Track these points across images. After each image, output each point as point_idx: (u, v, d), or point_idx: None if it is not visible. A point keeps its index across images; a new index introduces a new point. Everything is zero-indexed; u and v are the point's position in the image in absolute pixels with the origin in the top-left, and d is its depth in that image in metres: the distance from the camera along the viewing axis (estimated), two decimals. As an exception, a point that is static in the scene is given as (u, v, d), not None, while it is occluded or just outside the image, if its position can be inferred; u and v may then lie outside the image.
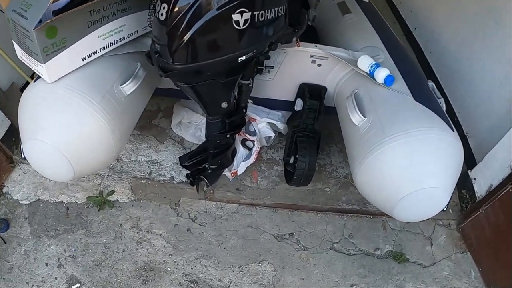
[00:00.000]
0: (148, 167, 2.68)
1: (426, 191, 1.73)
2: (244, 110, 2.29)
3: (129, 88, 1.96)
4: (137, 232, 2.49)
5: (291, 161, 2.50)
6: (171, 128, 2.75)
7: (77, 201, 2.54)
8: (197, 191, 2.55)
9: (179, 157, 2.37)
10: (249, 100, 2.53)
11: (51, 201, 2.52)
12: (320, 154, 2.75)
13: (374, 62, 2.07)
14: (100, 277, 2.27)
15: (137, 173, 2.65)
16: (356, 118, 1.99)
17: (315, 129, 2.44)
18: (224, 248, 2.47)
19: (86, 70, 1.87)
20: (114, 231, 2.47)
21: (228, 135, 2.30)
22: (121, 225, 2.51)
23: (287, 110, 2.64)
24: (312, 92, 2.40)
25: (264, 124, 2.57)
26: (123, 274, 2.31)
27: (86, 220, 2.46)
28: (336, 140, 2.82)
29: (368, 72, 2.08)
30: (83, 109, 1.76)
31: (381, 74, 2.02)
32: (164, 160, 2.69)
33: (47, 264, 2.29)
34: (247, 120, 2.59)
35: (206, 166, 2.48)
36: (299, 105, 2.45)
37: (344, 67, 2.30)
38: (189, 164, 2.40)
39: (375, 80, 2.04)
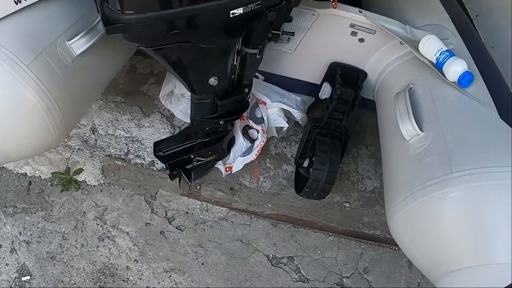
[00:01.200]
0: (126, 144, 2.09)
1: (494, 268, 1.07)
2: (247, 90, 1.63)
3: (79, 45, 1.35)
4: (101, 226, 1.97)
5: (305, 164, 1.85)
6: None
7: (41, 175, 2.06)
8: (179, 185, 1.94)
9: (154, 143, 1.73)
10: (259, 76, 1.87)
11: (14, 172, 2.07)
12: (345, 157, 2.07)
13: (445, 48, 1.35)
14: (52, 273, 1.90)
15: (112, 151, 2.07)
16: (408, 129, 1.31)
17: (343, 128, 1.76)
18: (203, 263, 1.89)
19: (19, 18, 1.26)
20: (76, 220, 1.98)
21: (221, 122, 1.65)
22: (84, 213, 1.99)
23: (309, 95, 1.95)
24: (346, 77, 1.70)
25: (275, 110, 1.90)
26: (78, 275, 1.89)
27: (48, 200, 2.01)
28: (368, 141, 2.13)
29: (435, 61, 1.37)
30: (2, 75, 1.17)
31: (455, 67, 1.30)
32: (146, 139, 2.09)
33: (0, 246, 1.92)
34: (253, 102, 1.93)
35: (192, 157, 1.86)
36: (326, 91, 1.75)
37: (397, 48, 1.58)
38: (165, 154, 1.76)
39: (443, 76, 1.34)
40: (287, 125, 1.91)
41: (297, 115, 1.88)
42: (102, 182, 2.04)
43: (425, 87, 1.41)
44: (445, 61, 1.33)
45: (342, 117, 1.75)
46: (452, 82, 1.31)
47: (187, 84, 1.43)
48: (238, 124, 1.90)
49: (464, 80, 1.29)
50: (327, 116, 1.74)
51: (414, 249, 1.26)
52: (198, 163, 1.87)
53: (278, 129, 2.00)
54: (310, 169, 1.75)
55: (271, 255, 1.92)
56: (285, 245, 1.94)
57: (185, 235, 1.94)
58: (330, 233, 1.97)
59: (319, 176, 1.66)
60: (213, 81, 1.42)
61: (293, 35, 1.57)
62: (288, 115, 1.98)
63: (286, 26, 1.51)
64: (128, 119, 2.14)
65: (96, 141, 2.10)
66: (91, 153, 2.07)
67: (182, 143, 1.75)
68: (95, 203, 2.00)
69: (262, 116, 1.89)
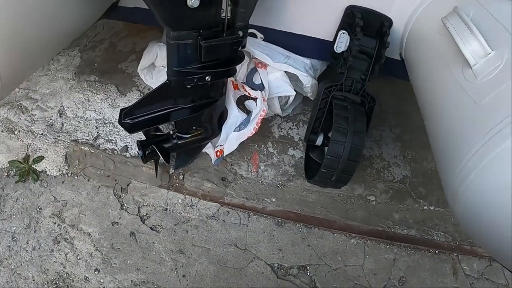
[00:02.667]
0: (97, 128, 1.67)
1: None
2: (241, 34, 1.21)
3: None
4: (58, 225, 1.54)
5: (319, 142, 1.40)
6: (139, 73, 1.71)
7: (-4, 164, 1.64)
8: (155, 172, 1.48)
9: (120, 110, 1.28)
10: (258, 34, 1.47)
11: (-33, 161, 1.65)
12: (366, 140, 1.63)
13: None
14: (-3, 280, 1.47)
15: (79, 135, 1.66)
16: (472, 49, 0.88)
17: (366, 91, 1.33)
18: (184, 275, 1.41)
19: None
20: (29, 217, 1.57)
21: (207, 77, 1.22)
22: (40, 209, 1.58)
23: (320, 58, 1.53)
24: (367, 23, 1.29)
25: (279, 75, 1.47)
26: (26, 285, 1.48)
27: (1, 194, 1.64)
28: (391, 123, 1.69)
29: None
30: None
31: None
32: (120, 121, 1.66)
33: None
34: (251, 67, 1.51)
35: (171, 133, 1.42)
36: (342, 42, 1.33)
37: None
38: (133, 122, 1.30)
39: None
40: (294, 93, 1.47)
41: (306, 81, 1.45)
42: (64, 172, 1.63)
43: (479, 7, 1.00)
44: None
45: (365, 77, 1.32)
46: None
47: (159, 9, 1.02)
48: (232, 94, 1.47)
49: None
50: (345, 74, 1.32)
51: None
52: (180, 141, 1.42)
53: (282, 102, 1.57)
54: (325, 149, 1.31)
55: (276, 264, 1.44)
56: (294, 250, 1.46)
57: (162, 238, 1.46)
58: (353, 234, 1.49)
59: (340, 150, 1.21)
60: (194, 1, 1.01)
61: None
62: (295, 84, 1.56)
63: None
64: (102, 99, 1.74)
65: (63, 125, 1.71)
66: (55, 138, 1.68)
67: (156, 109, 1.30)
68: (54, 197, 1.59)
69: (262, 83, 1.46)
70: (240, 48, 1.27)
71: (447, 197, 0.92)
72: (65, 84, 1.80)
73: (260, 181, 1.54)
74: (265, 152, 1.59)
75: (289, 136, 1.62)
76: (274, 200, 1.52)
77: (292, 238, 1.47)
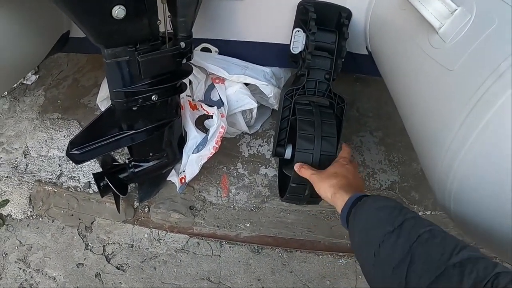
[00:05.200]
0: (60, 166, 1.54)
1: None
2: (183, 45, 1.07)
3: None
4: (23, 270, 1.40)
5: (287, 155, 1.23)
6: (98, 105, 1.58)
7: (-37, 211, 1.52)
8: (117, 207, 1.32)
9: (69, 141, 1.13)
10: (212, 48, 1.34)
11: None
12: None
13: None
14: None
15: (43, 175, 1.54)
16: (435, 9, 0.74)
17: (332, 92, 1.16)
18: (153, 319, 1.22)
19: None
20: None
21: (154, 96, 1.08)
22: (6, 254, 1.44)
23: (281, 64, 1.38)
24: (323, 17, 1.14)
25: (238, 87, 1.32)
26: None
27: None
28: (372, 127, 1.51)
29: None
30: None
31: None
32: (82, 157, 1.52)
33: None
34: (208, 84, 1.37)
35: (127, 162, 1.27)
36: (299, 41, 1.17)
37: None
38: (82, 152, 1.15)
39: None
40: (256, 105, 1.31)
41: (267, 90, 1.30)
42: (29, 214, 1.51)
43: None
44: None
45: (329, 75, 1.16)
46: None
47: (85, 23, 0.89)
48: (189, 115, 1.32)
49: None
50: (306, 76, 1.16)
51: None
52: (137, 170, 1.27)
53: (246, 117, 1.41)
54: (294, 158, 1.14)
55: (255, 296, 1.24)
56: (275, 279, 1.27)
57: (129, 277, 1.29)
58: (341, 254, 1.30)
59: (308, 159, 1.03)
60: (118, 11, 0.87)
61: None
62: (259, 97, 1.41)
63: None
64: (64, 136, 1.62)
65: (27, 166, 1.59)
66: (19, 180, 1.56)
67: (104, 136, 1.15)
68: (19, 241, 1.45)
69: (221, 98, 1.31)
70: (185, 61, 1.12)
71: (435, 193, 0.75)
72: (30, 124, 1.69)
73: (231, 206, 1.37)
74: (235, 174, 1.42)
75: (259, 154, 1.45)
76: (248, 225, 1.34)
77: (272, 265, 1.29)
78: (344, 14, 1.15)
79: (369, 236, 0.64)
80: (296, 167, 0.98)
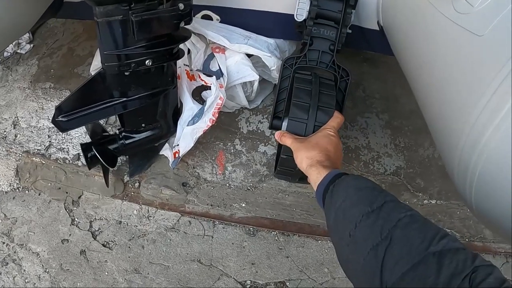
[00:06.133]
0: (49, 137, 1.46)
1: None
2: (181, 7, 0.98)
3: None
4: (7, 245, 1.32)
5: (284, 128, 1.13)
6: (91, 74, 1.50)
7: None
8: (105, 181, 1.24)
9: (56, 107, 1.04)
10: (213, 16, 1.25)
11: None
12: (349, 129, 1.36)
13: None
14: None
15: (31, 146, 1.45)
16: None
17: (336, 64, 1.07)
18: (138, 299, 1.13)
19: None
20: None
21: (147, 61, 0.99)
22: None
23: (287, 36, 1.28)
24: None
25: (239, 58, 1.23)
26: None
27: None
28: (378, 108, 1.42)
29: None
30: None
31: None
32: (74, 128, 1.44)
33: None
34: (208, 53, 1.28)
35: (117, 132, 1.19)
36: (303, 8, 1.08)
37: None
38: (69, 119, 1.06)
39: None
40: (257, 77, 1.22)
41: (271, 62, 1.21)
42: (15, 186, 1.41)
43: None
44: None
45: (333, 46, 1.07)
46: None
47: None
48: (186, 85, 1.23)
49: None
50: (308, 44, 1.07)
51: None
52: (128, 141, 1.18)
53: (246, 89, 1.32)
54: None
55: (248, 282, 1.16)
56: (270, 264, 1.18)
57: (115, 256, 1.21)
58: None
59: (301, 130, 0.92)
60: None
61: None
62: (262, 75, 1.32)
63: None
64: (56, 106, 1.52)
65: (16, 136, 1.50)
66: (7, 151, 1.47)
67: (93, 103, 1.06)
68: (4, 214, 1.36)
69: (220, 68, 1.22)
70: (184, 25, 1.03)
71: (452, 174, 0.67)
72: (21, 93, 1.60)
73: (227, 184, 1.28)
74: (232, 150, 1.33)
75: (259, 131, 1.36)
76: (244, 205, 1.25)
77: (267, 249, 1.20)
78: (351, -16, 1.06)
79: (346, 216, 0.61)
80: (277, 134, 0.91)
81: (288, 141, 0.87)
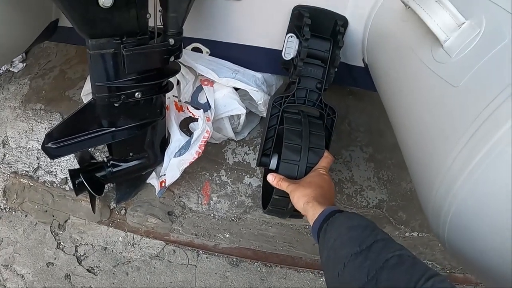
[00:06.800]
0: (38, 158, 1.48)
1: None
2: (172, 42, 1.01)
3: None
4: None
5: (272, 165, 1.15)
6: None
7: None
8: (92, 207, 1.25)
9: (46, 134, 1.06)
10: (203, 48, 1.28)
11: None
12: (334, 163, 1.39)
13: None
14: None
15: (20, 167, 1.47)
16: (442, 20, 0.68)
17: (323, 102, 1.10)
18: (120, 328, 1.14)
19: None
20: None
21: (137, 93, 1.01)
22: None
23: (274, 71, 1.32)
24: (319, 23, 1.09)
25: (227, 92, 1.26)
26: None
27: None
28: (362, 142, 1.45)
29: None
30: None
31: None
32: (62, 151, 1.46)
33: None
34: (196, 85, 1.30)
35: (105, 159, 1.20)
36: (291, 47, 1.11)
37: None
38: (58, 146, 1.08)
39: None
40: (244, 111, 1.25)
41: (258, 97, 1.24)
42: (2, 206, 1.42)
43: None
44: None
45: (321, 85, 1.10)
46: None
47: (69, 9, 0.82)
48: (174, 116, 1.25)
49: None
50: (297, 83, 1.10)
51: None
52: (115, 169, 1.20)
53: (234, 122, 1.34)
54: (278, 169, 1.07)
55: (228, 312, 1.17)
56: (251, 294, 1.20)
57: (99, 281, 1.22)
58: (322, 272, 1.23)
59: (293, 171, 0.96)
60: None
61: None
62: (249, 108, 1.35)
63: None
64: (45, 128, 1.56)
65: (5, 156, 1.51)
66: None
67: (83, 131, 1.08)
68: None
69: (208, 101, 1.25)
70: (174, 59, 1.06)
71: (428, 219, 0.69)
72: (11, 113, 1.62)
73: (212, 215, 1.30)
74: (217, 181, 1.35)
75: (244, 163, 1.39)
76: (228, 235, 1.27)
77: (250, 279, 1.22)
78: (340, 22, 1.10)
79: (337, 255, 0.62)
80: (273, 180, 0.93)
81: (284, 185, 0.89)
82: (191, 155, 1.17)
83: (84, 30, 0.89)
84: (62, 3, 0.82)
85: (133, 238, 1.28)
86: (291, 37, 1.10)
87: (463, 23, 0.64)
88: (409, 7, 0.79)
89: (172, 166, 1.19)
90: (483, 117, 0.54)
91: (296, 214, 1.04)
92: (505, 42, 0.55)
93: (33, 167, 1.45)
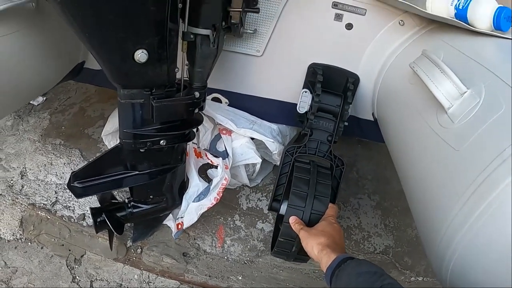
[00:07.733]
0: (56, 193, 1.52)
1: None
2: (197, 95, 1.10)
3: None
4: None
5: (282, 210, 1.21)
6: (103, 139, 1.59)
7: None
8: (110, 244, 1.30)
9: (71, 173, 1.14)
10: (222, 99, 1.37)
11: None
12: (343, 210, 1.45)
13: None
14: None
15: (37, 199, 1.51)
16: (446, 90, 0.77)
17: (332, 153, 1.18)
18: None
19: None
20: None
21: (162, 141, 1.09)
22: None
23: (288, 123, 1.41)
24: (331, 80, 1.19)
25: (244, 141, 1.34)
26: None
27: None
28: (370, 190, 1.52)
29: (454, 12, 0.88)
30: None
31: (484, 8, 0.81)
32: (81, 187, 1.50)
33: None
34: (215, 134, 1.39)
35: (126, 201, 1.26)
36: (305, 102, 1.21)
37: (398, 30, 1.10)
38: (83, 186, 1.15)
39: (471, 26, 0.83)
40: (260, 160, 1.33)
41: (273, 147, 1.32)
42: (18, 236, 1.44)
43: (449, 48, 0.90)
44: (468, 4, 0.84)
45: (331, 137, 1.18)
46: (484, 29, 0.81)
47: (106, 63, 0.91)
48: (193, 162, 1.33)
49: (503, 20, 0.78)
50: (308, 135, 1.18)
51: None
52: (135, 210, 1.25)
53: (249, 170, 1.42)
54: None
55: None
56: (262, 338, 1.22)
57: (113, 322, 1.24)
58: (329, 317, 1.26)
59: (299, 216, 1.03)
60: (141, 55, 0.89)
61: (258, 12, 1.08)
62: (263, 153, 1.42)
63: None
64: (64, 163, 1.60)
65: (23, 187, 1.55)
66: (13, 200, 1.51)
67: (108, 173, 1.15)
68: (5, 262, 1.38)
69: (226, 150, 1.33)
70: (197, 111, 1.14)
71: (432, 265, 0.75)
72: (31, 145, 1.68)
73: (225, 257, 1.35)
74: (231, 225, 1.41)
75: (257, 208, 1.45)
76: (240, 278, 1.31)
77: (260, 322, 1.25)
78: (351, 79, 1.20)
79: None
80: (293, 221, 0.99)
81: (297, 227, 0.96)
82: (210, 201, 1.23)
83: (118, 81, 0.97)
84: (101, 57, 0.90)
85: (148, 276, 1.32)
86: (305, 92, 1.20)
87: (465, 92, 0.72)
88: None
89: (191, 210, 1.25)
90: (481, 178, 0.61)
91: (301, 257, 1.10)
92: (501, 112, 0.63)
93: (51, 201, 1.50)
